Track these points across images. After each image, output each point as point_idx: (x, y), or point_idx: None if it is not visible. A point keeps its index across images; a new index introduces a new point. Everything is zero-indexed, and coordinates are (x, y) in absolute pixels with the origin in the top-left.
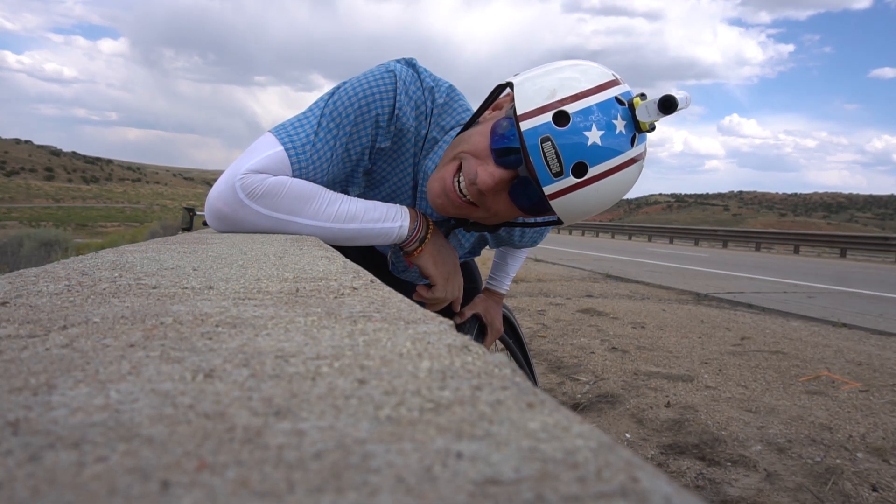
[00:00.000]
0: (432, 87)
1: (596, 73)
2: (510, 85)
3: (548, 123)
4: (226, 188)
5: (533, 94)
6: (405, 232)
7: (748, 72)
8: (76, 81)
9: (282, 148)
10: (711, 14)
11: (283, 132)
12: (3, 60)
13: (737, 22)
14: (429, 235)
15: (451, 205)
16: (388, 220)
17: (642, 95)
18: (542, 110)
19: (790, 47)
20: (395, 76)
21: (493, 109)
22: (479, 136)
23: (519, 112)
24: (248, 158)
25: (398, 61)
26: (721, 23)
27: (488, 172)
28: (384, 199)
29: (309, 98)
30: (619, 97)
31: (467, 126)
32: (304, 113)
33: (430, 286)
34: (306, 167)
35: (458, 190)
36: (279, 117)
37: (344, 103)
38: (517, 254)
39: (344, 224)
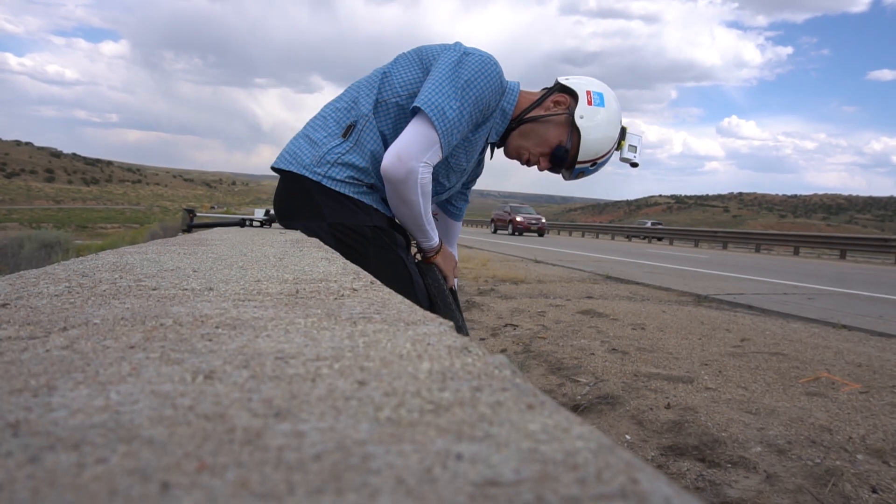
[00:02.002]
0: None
1: (617, 128)
2: (564, 89)
3: (587, 167)
4: (411, 170)
5: (588, 148)
6: (434, 244)
7: (747, 74)
8: (77, 83)
9: (437, 136)
10: (709, 17)
11: (438, 119)
12: (4, 63)
13: (734, 25)
14: (438, 252)
15: (518, 160)
16: (434, 231)
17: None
18: (590, 162)
19: (788, 50)
20: (496, 63)
21: (554, 104)
22: (544, 145)
23: (580, 158)
24: (419, 146)
25: (475, 50)
26: (719, 25)
27: (545, 167)
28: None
29: (309, 100)
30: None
31: (524, 119)
32: (447, 93)
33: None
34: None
35: (526, 160)
36: (280, 119)
37: (482, 89)
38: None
39: (427, 218)
